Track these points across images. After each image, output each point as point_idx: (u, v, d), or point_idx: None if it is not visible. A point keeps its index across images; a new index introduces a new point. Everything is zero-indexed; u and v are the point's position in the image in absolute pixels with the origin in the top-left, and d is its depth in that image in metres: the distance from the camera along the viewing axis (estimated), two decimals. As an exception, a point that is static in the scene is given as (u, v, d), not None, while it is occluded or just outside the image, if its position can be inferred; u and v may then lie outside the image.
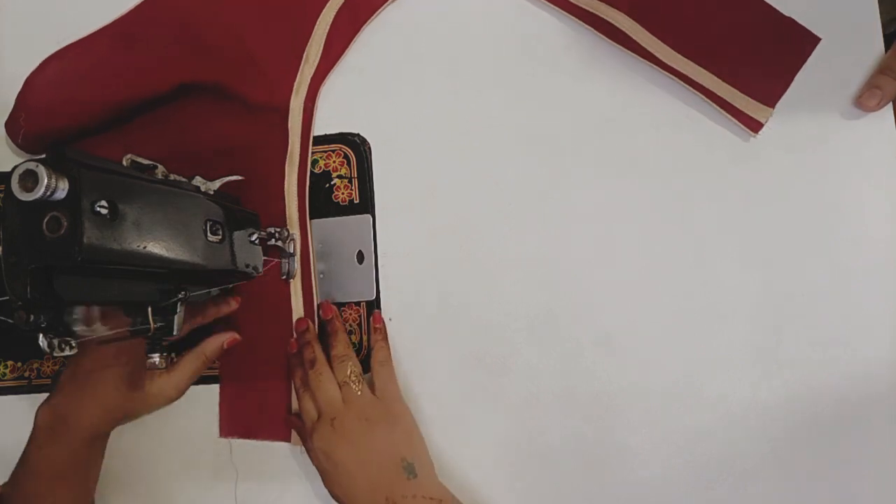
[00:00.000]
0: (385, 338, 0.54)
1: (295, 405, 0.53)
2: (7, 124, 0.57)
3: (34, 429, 0.49)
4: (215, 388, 0.56)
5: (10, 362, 0.58)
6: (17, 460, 0.49)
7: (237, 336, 0.54)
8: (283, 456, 0.55)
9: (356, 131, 0.56)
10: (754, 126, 0.51)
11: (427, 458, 0.50)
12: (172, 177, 0.45)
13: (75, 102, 0.54)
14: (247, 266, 0.48)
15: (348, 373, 0.51)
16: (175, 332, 0.44)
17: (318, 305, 0.55)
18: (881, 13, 0.52)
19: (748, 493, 0.50)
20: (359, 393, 0.50)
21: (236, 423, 0.55)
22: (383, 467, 0.48)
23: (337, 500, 0.48)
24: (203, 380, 0.55)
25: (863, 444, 0.50)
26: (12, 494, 0.48)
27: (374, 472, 0.47)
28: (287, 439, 0.54)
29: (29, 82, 0.55)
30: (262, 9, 0.55)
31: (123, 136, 0.57)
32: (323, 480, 0.49)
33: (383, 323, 0.54)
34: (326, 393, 0.50)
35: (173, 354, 0.47)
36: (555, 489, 0.52)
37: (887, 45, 0.51)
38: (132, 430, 0.55)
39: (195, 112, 0.57)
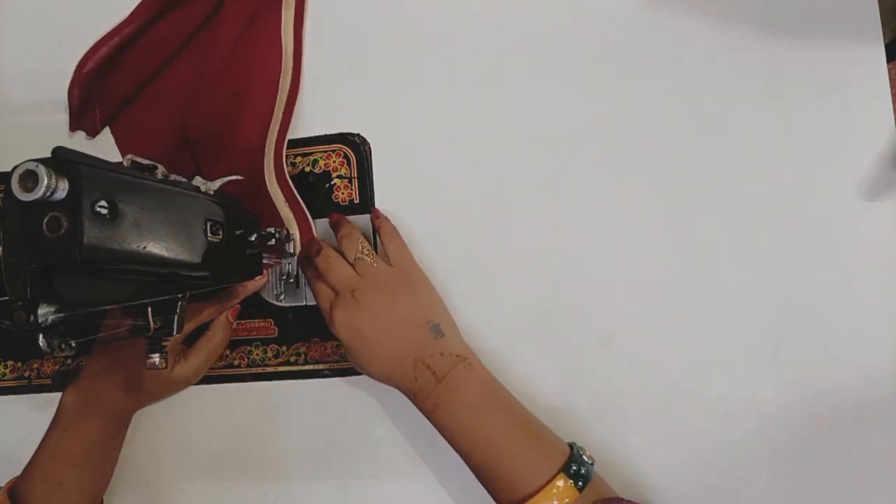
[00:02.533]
0: (387, 219, 0.53)
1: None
2: (77, 124, 0.58)
3: (59, 410, 0.49)
4: (215, 388, 0.56)
5: (10, 362, 0.58)
6: (16, 460, 0.48)
7: (237, 306, 0.55)
8: (284, 455, 0.55)
9: (356, 131, 0.56)
10: None
11: (450, 320, 0.50)
12: (172, 177, 0.45)
13: (133, 72, 0.56)
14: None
15: (359, 248, 0.50)
16: (175, 332, 0.44)
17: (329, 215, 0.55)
18: (881, 14, 0.52)
19: (748, 493, 0.50)
20: (374, 265, 0.49)
21: None
22: (410, 331, 0.47)
23: (363, 371, 0.48)
24: (203, 380, 0.55)
25: (863, 444, 0.50)
26: (29, 480, 0.48)
27: (401, 337, 0.47)
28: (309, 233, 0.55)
29: (84, 78, 0.56)
30: None
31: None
32: (348, 354, 0.49)
33: (382, 213, 0.54)
34: (339, 271, 0.49)
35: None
36: (555, 489, 0.52)
37: (888, 48, 0.51)
38: (133, 429, 0.55)
39: (193, 109, 0.57)
